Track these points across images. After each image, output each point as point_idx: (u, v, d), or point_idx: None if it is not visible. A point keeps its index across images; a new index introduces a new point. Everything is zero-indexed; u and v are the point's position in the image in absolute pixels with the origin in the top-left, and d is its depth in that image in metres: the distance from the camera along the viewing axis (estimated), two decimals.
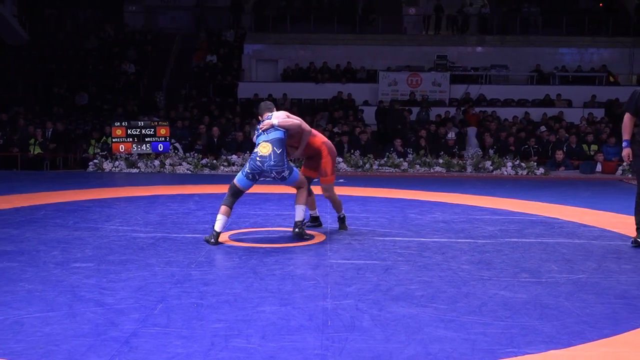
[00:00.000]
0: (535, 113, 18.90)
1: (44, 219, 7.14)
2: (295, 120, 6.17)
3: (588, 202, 9.30)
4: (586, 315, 4.00)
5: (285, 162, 6.03)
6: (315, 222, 6.93)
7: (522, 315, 3.98)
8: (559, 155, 14.07)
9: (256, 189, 10.27)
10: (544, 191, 10.58)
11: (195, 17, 24.23)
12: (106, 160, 13.39)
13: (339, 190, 10.15)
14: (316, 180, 6.73)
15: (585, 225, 7.33)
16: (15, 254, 5.42)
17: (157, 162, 13.29)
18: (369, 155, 13.78)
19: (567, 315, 3.99)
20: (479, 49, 22.65)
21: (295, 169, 6.24)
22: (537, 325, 3.79)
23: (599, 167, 13.80)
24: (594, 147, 14.97)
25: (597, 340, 3.59)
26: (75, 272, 4.83)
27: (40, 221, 7.01)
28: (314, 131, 6.59)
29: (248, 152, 13.77)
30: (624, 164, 13.55)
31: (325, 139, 6.68)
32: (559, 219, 7.77)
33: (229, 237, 6.29)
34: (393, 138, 15.16)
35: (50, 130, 14.92)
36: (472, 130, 16.42)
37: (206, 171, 13.19)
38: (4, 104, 18.51)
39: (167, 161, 13.31)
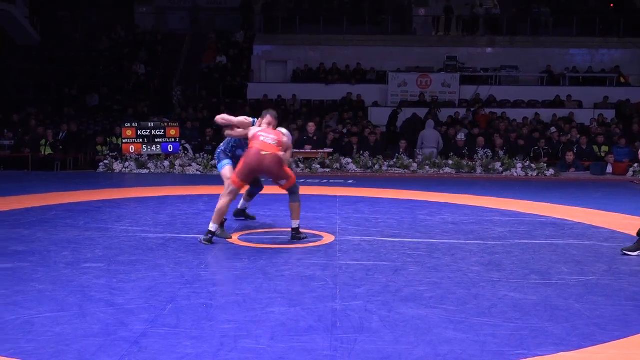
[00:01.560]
0: (546, 114, 18.82)
1: (54, 220, 7.18)
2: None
3: (598, 203, 9.25)
4: (596, 318, 3.98)
5: (217, 152, 6.77)
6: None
7: (532, 317, 3.97)
8: (570, 156, 14.00)
9: (266, 189, 10.29)
10: (554, 192, 10.53)
11: (198, 18, 24.28)
12: (116, 161, 13.44)
13: (349, 191, 10.17)
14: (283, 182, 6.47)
15: (595, 227, 7.29)
16: (27, 254, 5.45)
17: (166, 163, 13.32)
18: (378, 157, 13.76)
19: (577, 317, 3.97)
20: (489, 49, 22.58)
21: (224, 163, 6.64)
22: (547, 327, 3.78)
23: (609, 169, 13.72)
24: (604, 148, 14.88)
25: (607, 342, 3.58)
26: (86, 272, 4.86)
27: (51, 221, 7.05)
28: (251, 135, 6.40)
29: None
30: (635, 165, 13.48)
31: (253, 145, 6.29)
32: (569, 220, 7.74)
33: (238, 237, 6.31)
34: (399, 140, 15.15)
35: (65, 132, 14.99)
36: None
37: (216, 172, 13.19)
38: (16, 105, 18.62)
39: (177, 162, 13.34)
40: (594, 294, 4.51)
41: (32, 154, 14.35)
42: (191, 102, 19.67)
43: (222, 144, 6.85)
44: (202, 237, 6.09)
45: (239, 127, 6.49)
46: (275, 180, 6.19)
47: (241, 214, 7.28)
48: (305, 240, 6.19)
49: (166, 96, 20.63)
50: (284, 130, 6.53)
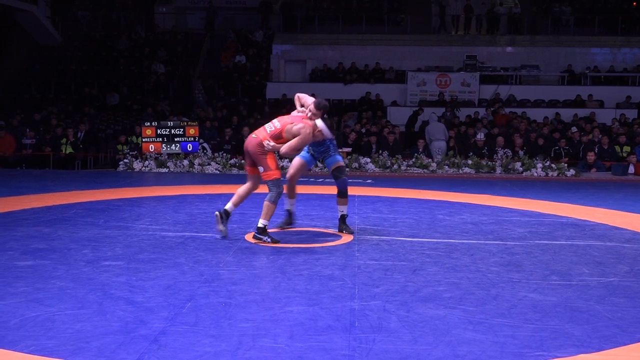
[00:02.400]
0: (566, 114, 18.67)
1: (75, 218, 7.24)
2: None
3: (620, 204, 9.16)
4: (617, 319, 3.94)
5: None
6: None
7: (551, 318, 3.93)
8: (591, 156, 13.87)
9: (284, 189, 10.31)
10: (575, 193, 10.44)
11: (214, 20, 24.35)
12: (136, 159, 13.54)
13: (368, 191, 10.16)
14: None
15: (617, 228, 7.22)
16: (47, 251, 5.51)
17: (186, 162, 13.39)
18: (397, 156, 13.73)
19: (597, 319, 3.93)
20: (509, 49, 22.44)
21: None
22: (567, 329, 3.74)
23: (631, 169, 13.58)
24: (626, 148, 14.73)
25: (628, 344, 3.54)
26: (106, 270, 4.90)
27: (71, 220, 7.11)
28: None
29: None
30: None
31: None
32: (589, 221, 7.67)
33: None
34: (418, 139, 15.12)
35: (83, 132, 15.12)
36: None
37: (234, 171, 13.25)
38: (38, 104, 18.82)
39: (196, 161, 13.40)
40: (615, 295, 4.47)
41: (53, 153, 14.50)
42: (210, 102, 19.76)
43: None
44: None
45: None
46: (254, 165, 6.09)
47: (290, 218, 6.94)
48: (268, 241, 5.96)
49: (186, 95, 20.73)
50: (321, 124, 6.16)
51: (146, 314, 3.85)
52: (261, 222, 6.01)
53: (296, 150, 6.18)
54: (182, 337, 3.50)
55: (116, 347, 3.34)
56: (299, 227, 6.86)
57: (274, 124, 6.11)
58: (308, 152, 6.62)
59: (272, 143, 5.98)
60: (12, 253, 5.42)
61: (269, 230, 6.11)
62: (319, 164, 13.34)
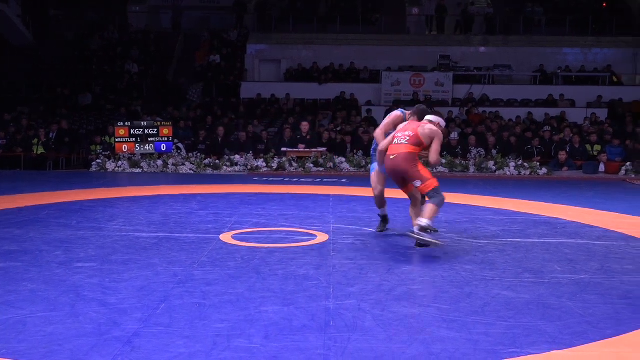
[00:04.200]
0: (538, 113, 18.88)
1: (47, 219, 7.15)
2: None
3: (591, 202, 9.28)
4: (589, 316, 3.99)
5: (372, 151, 6.76)
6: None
7: (524, 315, 3.98)
8: (562, 155, 14.04)
9: (260, 189, 10.30)
10: (547, 191, 10.56)
11: (180, 19, 24.27)
12: (109, 160, 13.41)
13: (343, 190, 10.17)
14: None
15: (588, 226, 7.32)
16: (19, 253, 5.43)
17: (160, 162, 13.30)
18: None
19: (569, 316, 3.98)
20: (482, 49, 22.64)
21: (372, 167, 6.68)
22: (540, 326, 3.79)
23: (602, 168, 13.77)
24: (597, 147, 14.94)
25: (599, 340, 3.58)
26: (78, 272, 4.84)
27: (43, 221, 7.02)
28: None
29: (251, 152, 13.78)
30: (627, 164, 13.53)
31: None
32: (561, 219, 7.76)
33: (232, 236, 6.30)
34: None
35: (55, 132, 14.93)
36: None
37: (209, 171, 13.20)
38: (9, 105, 18.56)
39: (170, 161, 13.32)
40: (586, 292, 4.52)
41: (25, 154, 14.31)
42: (184, 102, 19.65)
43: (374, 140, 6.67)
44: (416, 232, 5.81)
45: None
46: (409, 181, 5.87)
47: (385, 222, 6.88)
48: (431, 240, 5.71)
49: (167, 95, 20.59)
50: (433, 117, 6.11)
51: (120, 316, 3.82)
52: (424, 222, 5.72)
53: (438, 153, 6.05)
54: (156, 338, 3.47)
55: (89, 349, 3.31)
56: (274, 227, 6.85)
57: (404, 134, 5.91)
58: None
59: (424, 152, 5.95)
60: None
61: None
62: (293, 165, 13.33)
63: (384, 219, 6.83)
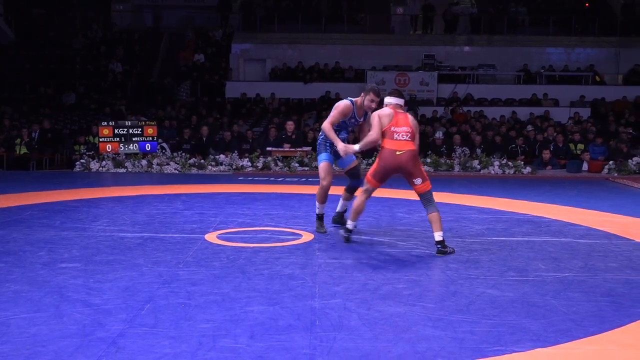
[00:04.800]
0: (522, 112, 18.99)
1: (30, 219, 7.09)
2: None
3: (574, 200, 9.35)
4: (572, 313, 4.02)
5: (318, 142, 6.55)
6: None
7: (509, 313, 4.00)
8: (546, 154, 14.13)
9: (245, 188, 10.28)
10: (531, 190, 10.63)
11: (161, 17, 24.22)
12: (93, 160, 13.33)
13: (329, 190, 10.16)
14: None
15: (571, 224, 7.37)
16: (1, 254, 5.38)
17: (144, 162, 13.23)
18: (357, 155, 13.77)
19: (553, 314, 4.01)
20: (467, 48, 22.74)
21: (321, 157, 6.44)
22: (524, 324, 3.81)
23: (585, 166, 13.88)
24: (580, 146, 15.05)
25: (583, 338, 3.61)
26: (62, 272, 4.81)
27: (26, 221, 6.97)
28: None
29: (236, 151, 13.75)
30: (610, 163, 13.65)
31: (386, 144, 5.89)
32: (545, 217, 7.81)
33: (217, 236, 6.28)
34: None
35: (37, 132, 14.80)
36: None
37: (194, 171, 13.15)
38: None
39: (155, 161, 13.26)
40: (570, 290, 4.56)
41: (7, 154, 14.18)
42: (167, 101, 19.57)
43: (321, 131, 6.52)
44: (342, 233, 6.07)
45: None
46: (410, 178, 5.80)
47: (339, 220, 6.82)
48: (453, 251, 5.72)
49: (146, 93, 20.49)
50: (395, 99, 5.97)
51: (104, 317, 3.80)
52: (441, 235, 5.68)
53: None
54: (141, 339, 3.46)
55: (73, 350, 3.29)
56: (260, 227, 6.84)
57: (404, 130, 5.80)
58: (329, 152, 6.46)
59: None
60: None
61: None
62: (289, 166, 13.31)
63: (322, 218, 6.63)
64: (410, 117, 5.97)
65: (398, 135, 5.79)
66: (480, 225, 7.18)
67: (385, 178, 5.94)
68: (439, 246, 5.66)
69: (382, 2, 24.45)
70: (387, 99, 5.98)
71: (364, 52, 22.12)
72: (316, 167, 13.25)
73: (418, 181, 5.77)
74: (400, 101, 5.98)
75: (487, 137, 15.36)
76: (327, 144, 6.48)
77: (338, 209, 6.88)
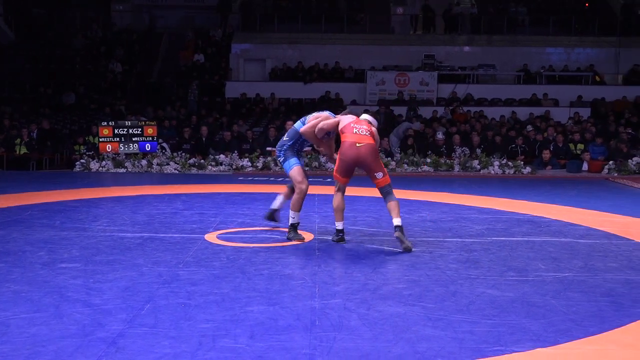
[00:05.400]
0: (522, 112, 18.98)
1: (30, 219, 7.09)
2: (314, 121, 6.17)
3: (574, 200, 9.35)
4: (572, 313, 4.02)
5: (283, 147, 6.31)
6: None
7: (509, 313, 4.00)
8: (546, 154, 14.13)
9: (245, 188, 10.28)
10: (531, 190, 10.63)
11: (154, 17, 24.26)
12: (93, 160, 13.33)
13: (328, 190, 10.15)
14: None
15: (571, 224, 7.37)
16: (1, 254, 5.38)
17: (144, 162, 13.23)
18: None
19: (553, 314, 4.01)
20: (467, 48, 22.72)
21: (291, 162, 6.22)
22: (524, 324, 3.81)
23: (585, 166, 13.88)
24: (580, 146, 15.05)
25: (583, 338, 3.61)
26: (62, 272, 4.81)
27: (26, 221, 6.97)
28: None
29: (236, 151, 13.75)
30: (610, 162, 13.65)
31: (346, 138, 6.03)
32: (545, 217, 7.81)
33: (217, 236, 6.28)
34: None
35: (35, 132, 14.79)
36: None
37: (194, 171, 13.15)
38: None
39: (155, 161, 13.26)
40: (570, 290, 4.56)
41: (7, 154, 14.18)
42: (168, 102, 19.56)
43: (286, 136, 6.38)
44: (333, 237, 6.15)
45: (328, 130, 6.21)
46: (371, 172, 5.94)
47: (272, 217, 6.77)
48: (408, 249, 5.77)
49: (141, 93, 20.47)
50: (369, 117, 6.19)
51: (104, 317, 3.80)
52: (399, 221, 5.84)
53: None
54: (141, 339, 3.46)
55: (73, 350, 3.29)
56: (259, 227, 6.84)
57: (363, 127, 5.97)
58: (298, 157, 6.37)
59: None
60: None
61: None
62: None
63: (296, 227, 6.26)
64: (374, 128, 6.13)
65: (358, 130, 5.97)
66: (480, 225, 7.18)
67: (349, 172, 6.09)
68: (397, 230, 5.80)
69: (382, 2, 24.44)
70: (364, 115, 6.27)
71: (364, 52, 22.10)
72: (316, 167, 13.31)
73: (379, 175, 5.94)
74: (374, 122, 6.21)
75: (487, 137, 15.36)
76: (295, 149, 6.35)
77: (274, 206, 6.74)
